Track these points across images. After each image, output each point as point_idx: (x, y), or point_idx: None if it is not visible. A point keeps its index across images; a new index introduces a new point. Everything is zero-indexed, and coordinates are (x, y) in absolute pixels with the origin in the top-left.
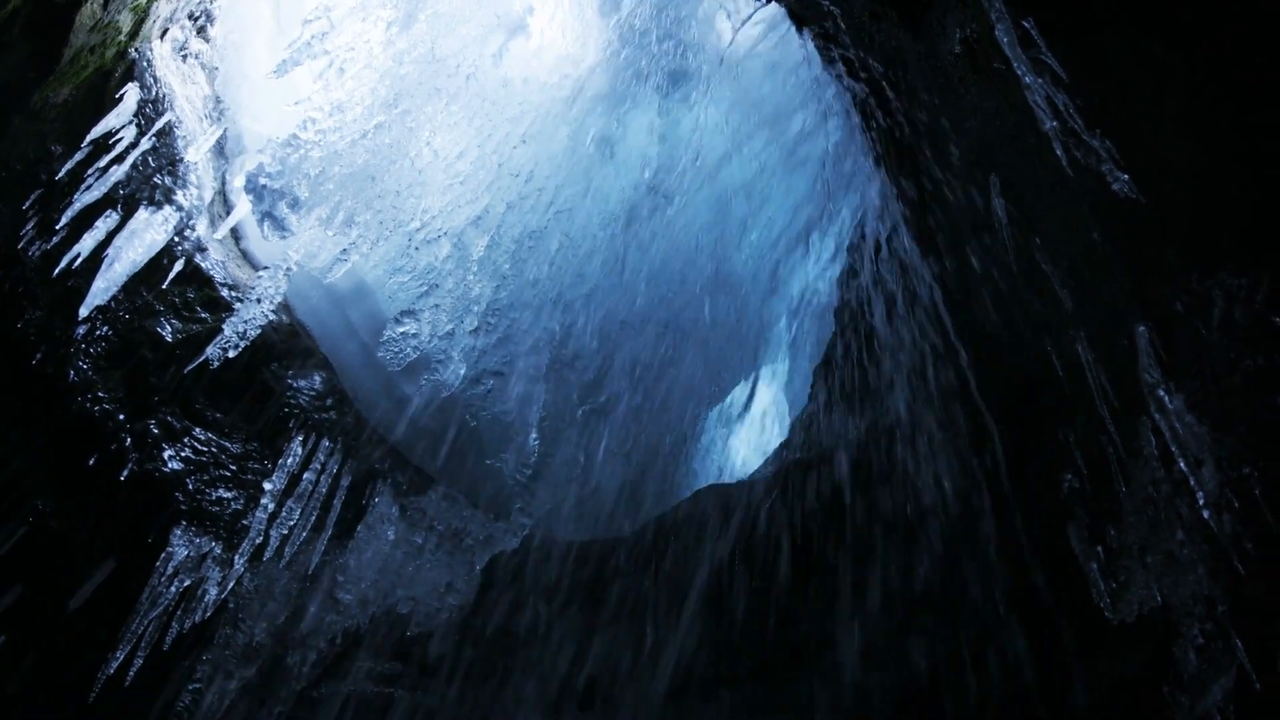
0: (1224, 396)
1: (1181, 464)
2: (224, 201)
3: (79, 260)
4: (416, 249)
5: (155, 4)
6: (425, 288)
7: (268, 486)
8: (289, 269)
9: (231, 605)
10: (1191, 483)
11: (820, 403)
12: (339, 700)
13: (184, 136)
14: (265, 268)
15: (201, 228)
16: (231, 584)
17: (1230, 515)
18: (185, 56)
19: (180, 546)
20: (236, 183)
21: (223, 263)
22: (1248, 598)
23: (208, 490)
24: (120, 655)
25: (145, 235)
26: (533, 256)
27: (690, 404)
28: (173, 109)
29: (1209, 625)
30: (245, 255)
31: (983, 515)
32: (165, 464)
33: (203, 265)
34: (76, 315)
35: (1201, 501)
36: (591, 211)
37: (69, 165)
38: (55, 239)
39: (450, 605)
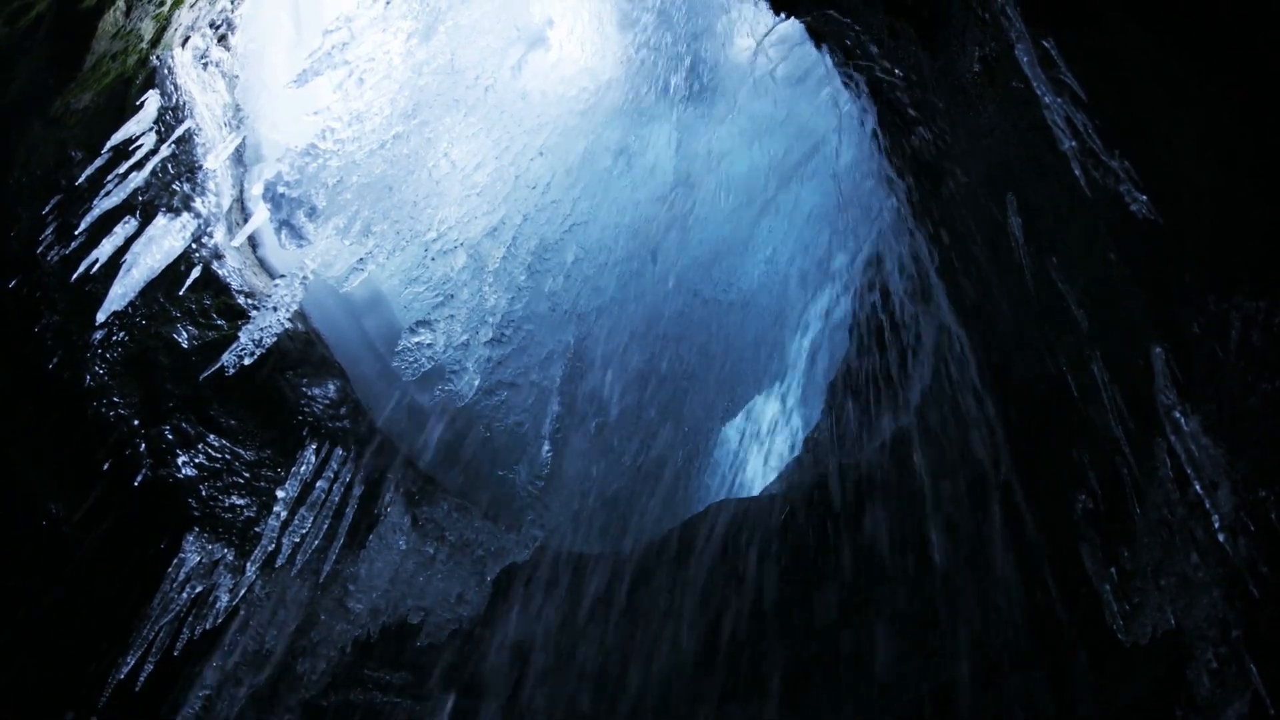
0: (1240, 419)
1: (1197, 486)
2: (242, 209)
3: (97, 266)
4: (433, 259)
5: (177, 12)
6: (441, 298)
7: (280, 494)
8: (305, 277)
9: (243, 612)
10: (1207, 505)
11: (833, 418)
12: (348, 709)
13: (203, 144)
14: (282, 276)
15: (219, 235)
16: (243, 591)
17: (1246, 538)
18: (206, 64)
19: (192, 553)
20: (254, 191)
21: (239, 270)
22: (1263, 622)
23: (221, 497)
24: (131, 660)
25: (163, 242)
26: (549, 268)
27: (704, 418)
28: (192, 116)
29: (1223, 649)
30: (262, 263)
31: (995, 535)
32: (179, 470)
33: (220, 272)
34: (93, 320)
35: (1217, 524)
36: (608, 224)
37: (89, 171)
38: (74, 244)
39: (461, 616)
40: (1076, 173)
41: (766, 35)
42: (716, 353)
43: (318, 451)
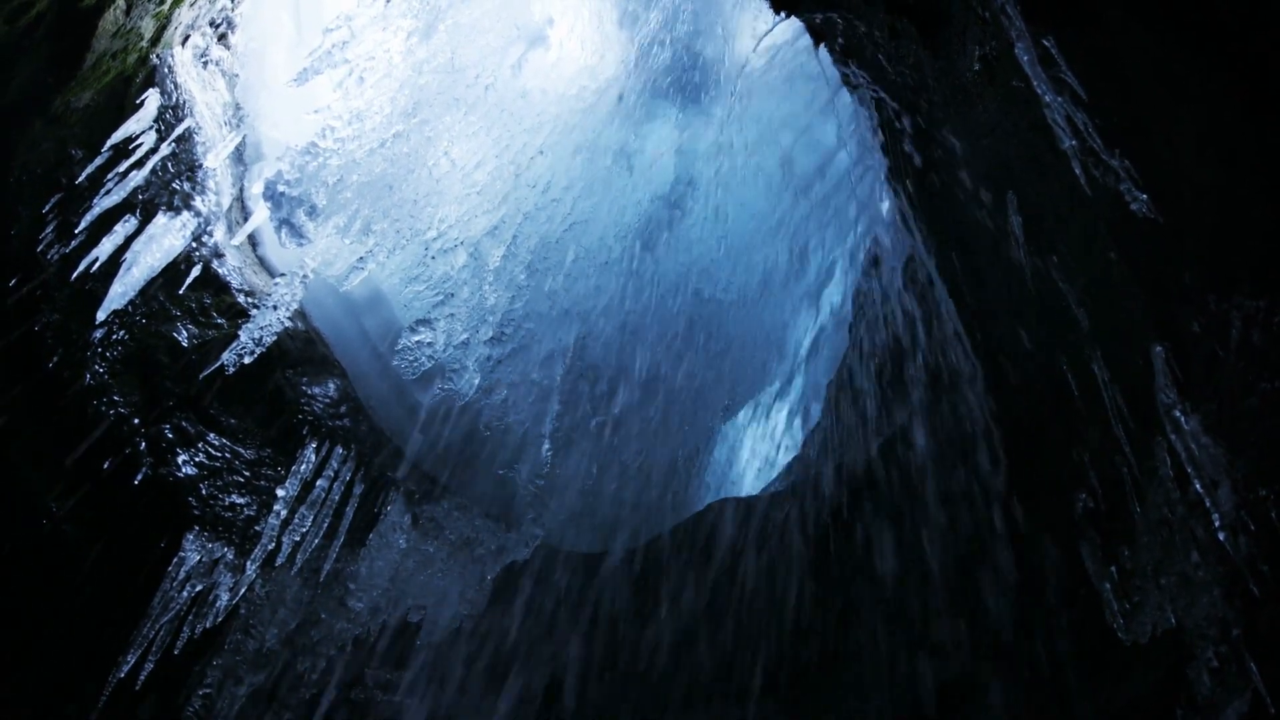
0: (1240, 418)
1: (1197, 485)
2: (242, 208)
3: (97, 264)
4: (433, 258)
5: (177, 10)
6: (441, 297)
7: (281, 493)
8: (305, 276)
9: (243, 611)
10: (1207, 504)
11: (833, 417)
12: (348, 707)
13: (203, 143)
14: (282, 274)
15: (219, 234)
16: (243, 590)
17: (1246, 537)
18: (206, 63)
19: (192, 551)
20: (255, 189)
21: (239, 269)
22: (1263, 621)
23: (221, 496)
24: (131, 659)
25: (163, 240)
26: (549, 267)
27: (704, 417)
28: (193, 115)
29: (1223, 648)
30: (262, 262)
31: (995, 534)
32: (179, 469)
33: (220, 271)
34: (94, 319)
35: (1217, 523)
36: (608, 223)
37: (89, 170)
38: (74, 243)
39: (461, 614)
40: (1077, 171)
41: (767, 34)
42: (717, 352)
43: (318, 450)
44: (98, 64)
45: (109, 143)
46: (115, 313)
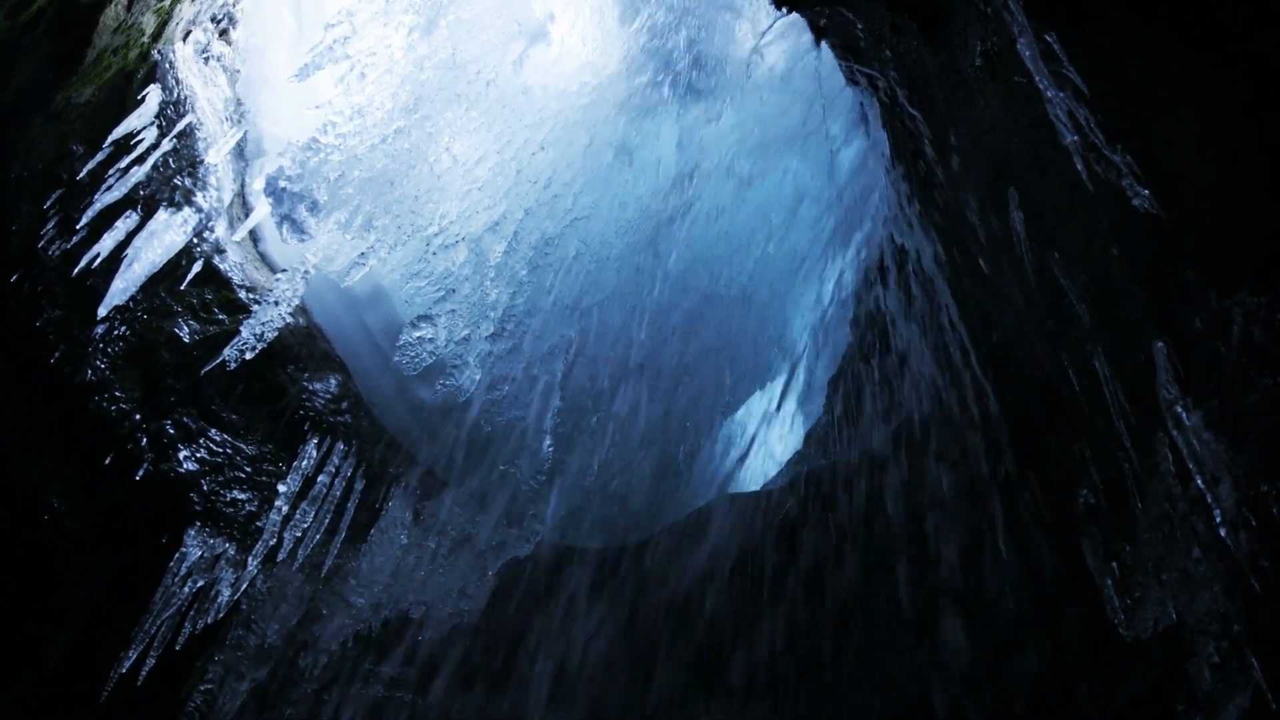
0: (1242, 414)
1: (1198, 481)
2: (243, 204)
3: (98, 260)
4: (434, 254)
5: (178, 6)
6: (442, 293)
7: (282, 489)
8: (307, 272)
9: (244, 607)
10: (1208, 500)
11: (835, 414)
12: (350, 703)
13: (204, 138)
14: (283, 270)
15: (220, 230)
16: (244, 585)
17: (1247, 533)
18: (207, 59)
19: (194, 547)
20: (256, 185)
21: (241, 265)
22: (1264, 617)
23: (222, 491)
24: (133, 655)
25: (164, 236)
26: (550, 263)
27: (706, 413)
28: (194, 111)
29: (1225, 644)
30: (263, 258)
31: (996, 530)
32: (180, 464)
33: (221, 267)
34: (95, 315)
35: (1218, 519)
36: (609, 219)
37: (90, 165)
38: (75, 238)
39: (462, 610)
40: (1079, 167)
41: (768, 30)
42: (719, 347)
43: (319, 446)
44: (99, 60)
45: (110, 138)
46: (116, 309)
